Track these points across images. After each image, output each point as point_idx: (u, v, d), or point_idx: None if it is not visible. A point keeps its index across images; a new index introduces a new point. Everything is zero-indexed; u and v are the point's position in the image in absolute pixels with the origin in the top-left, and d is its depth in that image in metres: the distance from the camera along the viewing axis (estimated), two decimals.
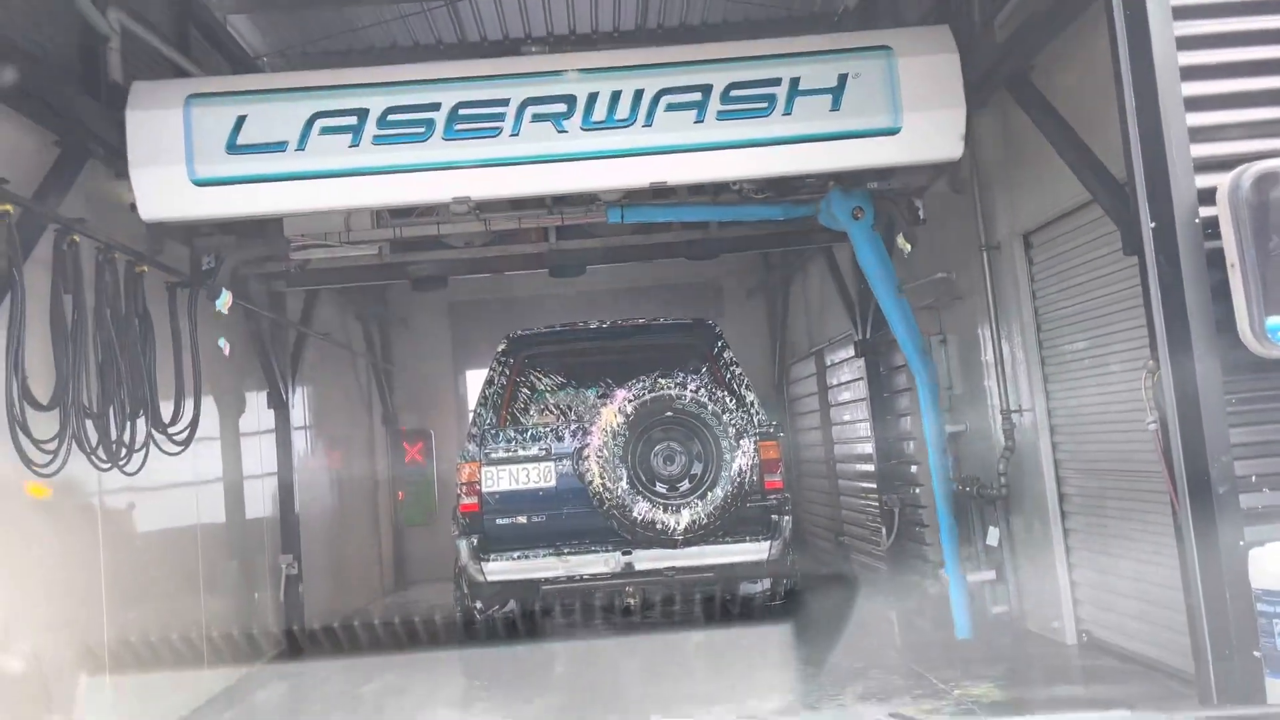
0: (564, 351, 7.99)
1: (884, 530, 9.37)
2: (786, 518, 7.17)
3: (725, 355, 7.75)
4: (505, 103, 6.07)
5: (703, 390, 6.90)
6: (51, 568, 5.54)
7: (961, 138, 6.20)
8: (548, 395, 7.78)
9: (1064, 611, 6.95)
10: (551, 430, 7.36)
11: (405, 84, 6.15)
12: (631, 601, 7.06)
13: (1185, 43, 4.45)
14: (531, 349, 7.87)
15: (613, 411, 6.82)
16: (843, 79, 6.08)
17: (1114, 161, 5.30)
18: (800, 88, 6.08)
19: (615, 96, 6.06)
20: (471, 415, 7.92)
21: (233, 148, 6.06)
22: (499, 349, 7.85)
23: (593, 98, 6.07)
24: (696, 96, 6.08)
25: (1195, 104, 4.42)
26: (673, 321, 8.32)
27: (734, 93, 6.09)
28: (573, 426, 7.31)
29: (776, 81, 6.08)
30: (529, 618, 7.18)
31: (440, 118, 6.07)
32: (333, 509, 11.36)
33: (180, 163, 6.03)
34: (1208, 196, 4.33)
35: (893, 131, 6.10)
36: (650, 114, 6.07)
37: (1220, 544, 4.16)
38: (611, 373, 7.65)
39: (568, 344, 8.05)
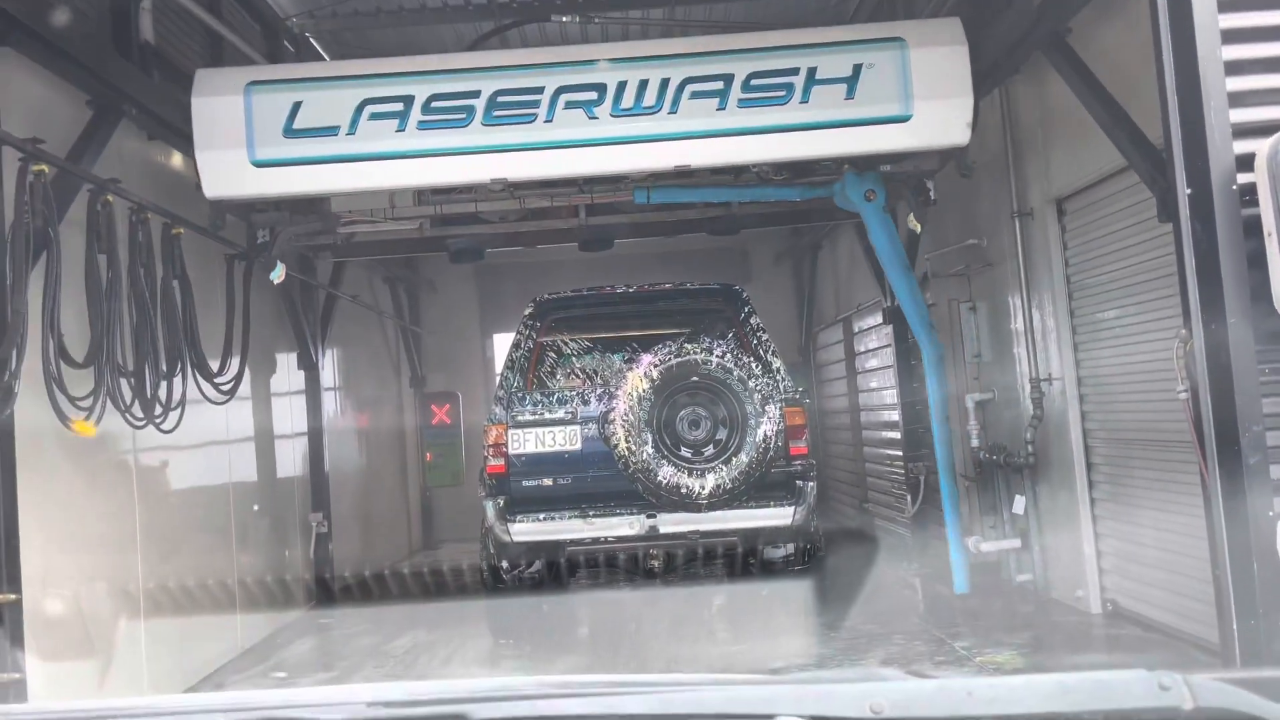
0: (590, 315, 8.00)
1: (909, 497, 9.38)
2: (811, 483, 7.18)
3: (752, 321, 7.74)
4: (540, 90, 6.40)
5: (729, 355, 6.90)
6: (88, 524, 5.67)
7: (969, 125, 6.42)
8: (574, 359, 7.81)
9: (1089, 580, 6.94)
10: (578, 394, 7.40)
11: (447, 72, 6.50)
12: (655, 564, 7.12)
13: (1227, 4, 4.35)
14: (558, 313, 7.89)
15: (639, 376, 6.83)
16: (857, 69, 6.34)
17: (1151, 127, 5.21)
18: (817, 77, 6.35)
19: (643, 85, 6.37)
20: (498, 378, 7.97)
21: (289, 132, 6.41)
22: (526, 312, 7.88)
23: (622, 86, 6.37)
24: (719, 85, 6.37)
25: (1236, 68, 4.32)
26: (699, 286, 8.30)
27: (754, 81, 6.37)
28: (599, 390, 7.34)
29: (794, 71, 6.35)
30: (554, 578, 7.26)
31: (480, 104, 6.41)
32: (362, 469, 11.52)
33: (241, 146, 6.40)
34: (1246, 163, 4.24)
35: (904, 119, 6.35)
36: (675, 101, 6.38)
37: (1249, 514, 4.13)
38: (638, 337, 7.66)
39: (594, 308, 8.06)
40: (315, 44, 10.93)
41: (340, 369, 10.80)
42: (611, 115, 6.39)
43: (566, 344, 7.83)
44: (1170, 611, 6.11)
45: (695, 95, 6.37)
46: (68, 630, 5.43)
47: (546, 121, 6.40)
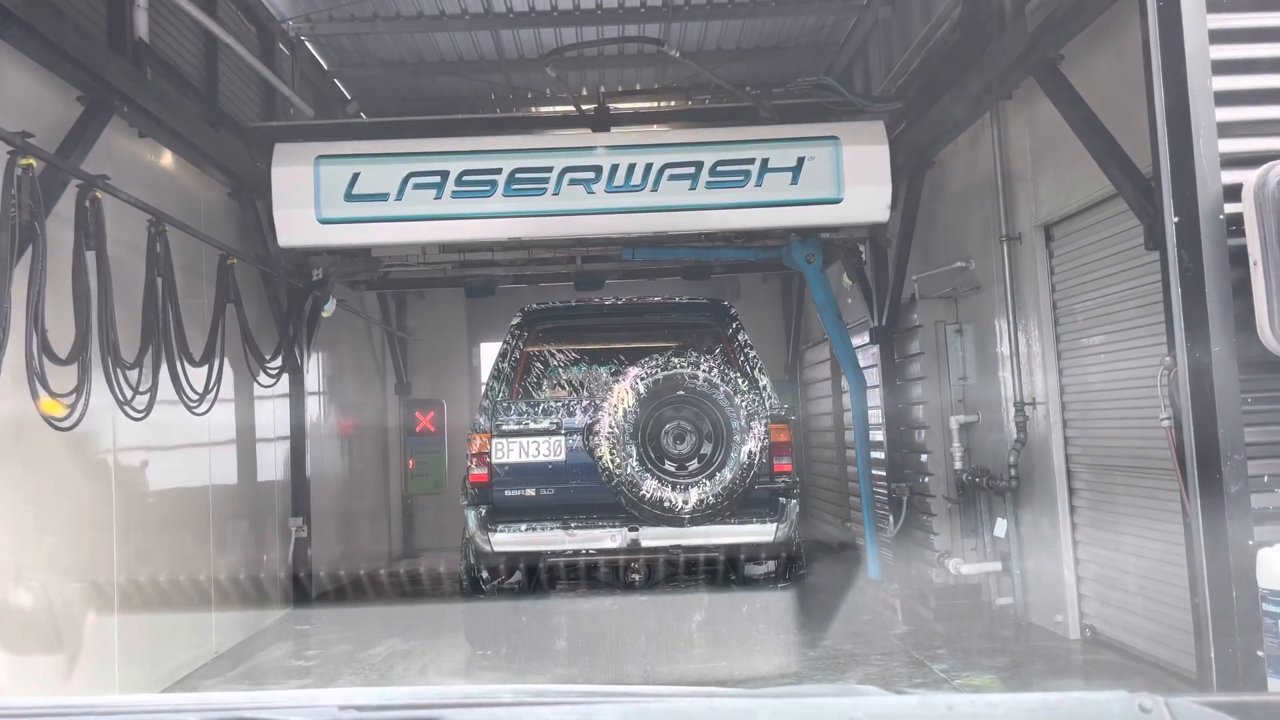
0: (578, 327, 7.99)
1: (891, 518, 9.37)
2: (794, 501, 7.16)
3: (740, 337, 7.74)
4: (550, 169, 7.95)
5: (716, 371, 6.89)
6: (62, 524, 5.60)
7: (888, 207, 8.08)
8: (560, 370, 7.79)
9: (1068, 605, 6.95)
10: (563, 404, 7.37)
11: (476, 153, 8.03)
12: (636, 577, 7.08)
13: (1218, 36, 4.40)
14: (546, 323, 7.87)
15: (625, 388, 6.82)
16: (801, 160, 7.96)
17: (1140, 155, 5.25)
18: (769, 166, 7.95)
19: (631, 168, 7.94)
20: (484, 387, 7.94)
21: (349, 196, 7.94)
22: (513, 322, 7.86)
23: (614, 168, 7.95)
24: (691, 170, 7.97)
25: (1225, 99, 4.36)
26: (688, 301, 8.31)
27: (719, 168, 7.97)
28: (584, 402, 7.32)
29: (751, 161, 7.95)
30: (534, 589, 7.22)
31: (501, 179, 7.95)
32: (344, 474, 11.44)
33: (310, 206, 7.95)
34: (1233, 193, 4.27)
35: (836, 201, 8.01)
36: (656, 182, 7.95)
37: (1230, 543, 4.14)
38: (625, 350, 7.65)
39: (582, 319, 8.04)
40: (310, 48, 10.93)
41: (325, 373, 10.74)
42: (606, 191, 7.94)
43: (553, 355, 7.82)
44: (1148, 639, 6.12)
45: (672, 177, 7.95)
46: (38, 630, 5.36)
47: (554, 194, 7.93)
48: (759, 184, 7.92)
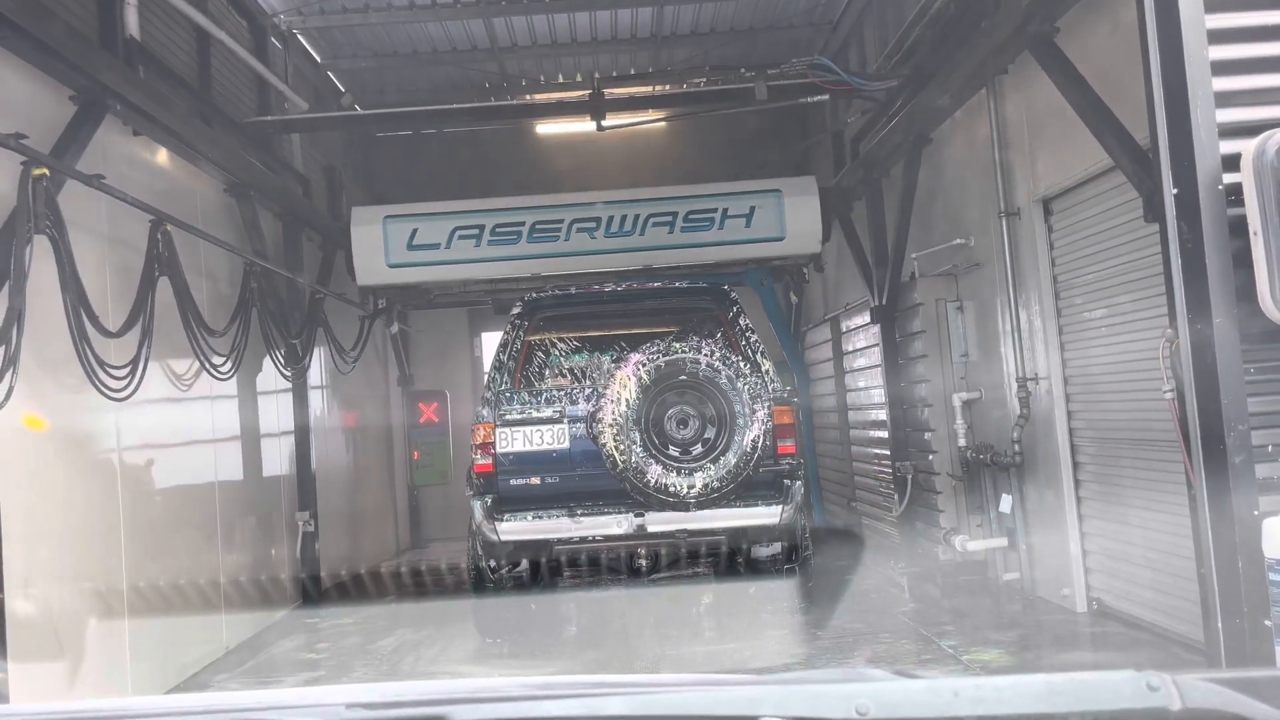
0: (579, 314, 7.98)
1: (896, 497, 9.39)
2: (798, 483, 7.17)
3: (740, 320, 7.73)
4: (561, 221, 10.34)
5: (717, 355, 6.89)
6: (72, 522, 5.62)
7: (819, 241, 10.45)
8: (562, 358, 7.79)
9: (1075, 579, 6.96)
10: (566, 392, 7.37)
11: (506, 210, 10.41)
12: (643, 563, 7.10)
13: (1213, 5, 4.36)
14: (546, 311, 7.86)
15: (627, 374, 6.82)
16: (752, 209, 10.33)
17: (1138, 127, 5.22)
18: (728, 214, 10.33)
19: (624, 218, 10.33)
20: (486, 377, 7.94)
21: (410, 246, 10.32)
22: (514, 311, 7.85)
23: (611, 218, 10.34)
24: (669, 218, 10.35)
25: (1222, 68, 4.33)
26: (688, 285, 8.30)
27: (691, 216, 10.35)
28: (587, 389, 7.32)
29: (715, 210, 10.34)
30: (541, 577, 7.23)
31: (524, 230, 10.33)
32: (349, 467, 11.46)
33: (380, 254, 10.35)
34: (1232, 163, 4.25)
35: (780, 239, 10.41)
36: (643, 228, 10.32)
37: (1235, 513, 4.14)
38: (626, 336, 7.65)
39: (583, 307, 8.03)
40: (303, 41, 10.89)
41: (328, 366, 10.74)
42: (605, 236, 10.29)
43: (555, 343, 7.81)
44: (1155, 610, 6.14)
45: (655, 224, 10.28)
46: (51, 629, 5.38)
47: (565, 240, 10.27)
48: (721, 227, 10.26)
